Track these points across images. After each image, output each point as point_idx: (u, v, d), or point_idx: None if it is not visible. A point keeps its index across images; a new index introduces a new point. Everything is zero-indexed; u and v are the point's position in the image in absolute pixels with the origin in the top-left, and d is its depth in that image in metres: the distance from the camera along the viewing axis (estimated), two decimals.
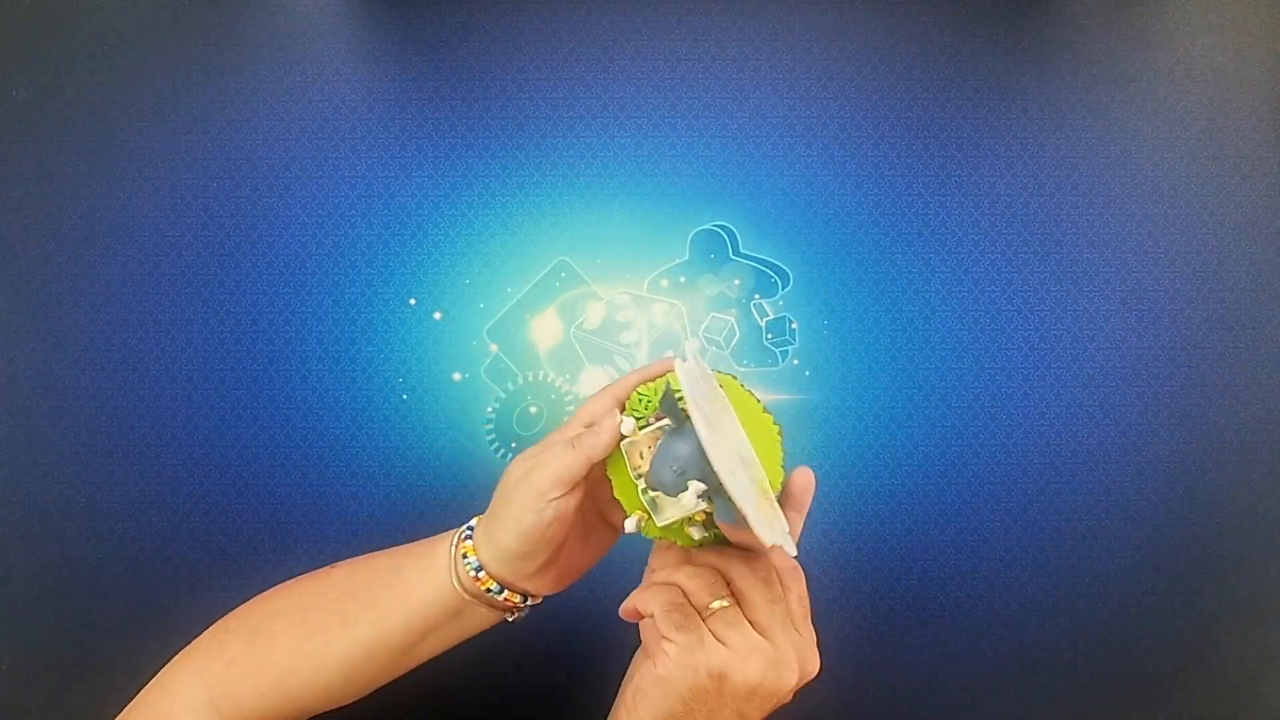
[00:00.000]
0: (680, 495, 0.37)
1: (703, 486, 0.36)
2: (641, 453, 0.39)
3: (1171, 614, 0.59)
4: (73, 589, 0.57)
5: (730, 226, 0.60)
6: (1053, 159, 0.60)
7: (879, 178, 0.60)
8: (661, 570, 0.39)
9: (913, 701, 0.58)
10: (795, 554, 0.36)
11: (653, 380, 0.41)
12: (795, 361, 0.59)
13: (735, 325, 0.59)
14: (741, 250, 0.60)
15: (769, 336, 0.59)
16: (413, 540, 0.43)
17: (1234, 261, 0.60)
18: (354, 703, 0.43)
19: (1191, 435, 0.59)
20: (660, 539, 0.40)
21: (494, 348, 0.59)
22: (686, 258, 0.60)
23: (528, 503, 0.38)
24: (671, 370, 0.39)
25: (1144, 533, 0.59)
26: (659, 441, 0.38)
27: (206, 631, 0.43)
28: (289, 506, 0.58)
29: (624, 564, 0.46)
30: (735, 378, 0.42)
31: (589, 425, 0.40)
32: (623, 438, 0.39)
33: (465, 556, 0.40)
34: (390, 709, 0.44)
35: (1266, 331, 0.59)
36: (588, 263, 0.59)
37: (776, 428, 0.40)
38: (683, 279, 0.59)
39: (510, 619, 0.42)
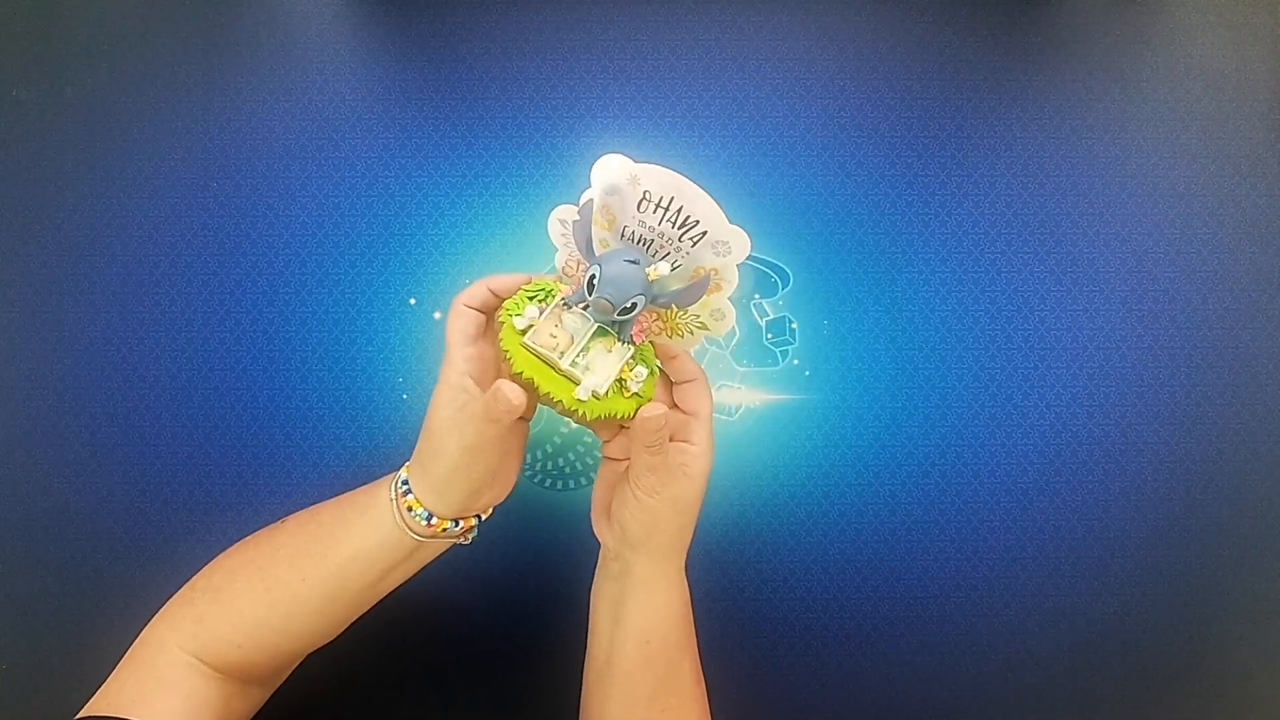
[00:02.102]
0: (635, 299, 0.37)
1: (666, 266, 0.37)
2: (551, 332, 0.39)
3: (1171, 614, 0.59)
4: (73, 589, 0.57)
5: None
6: (1053, 159, 0.60)
7: (879, 178, 0.60)
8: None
9: (913, 702, 0.58)
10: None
11: (509, 289, 0.42)
12: (795, 361, 0.59)
13: (735, 325, 0.59)
14: None
15: (769, 336, 0.59)
16: None
17: (1234, 261, 0.60)
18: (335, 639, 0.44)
19: (1191, 435, 0.59)
20: (602, 417, 0.39)
21: None
22: None
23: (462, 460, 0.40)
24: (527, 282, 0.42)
25: (1144, 533, 0.59)
26: (590, 279, 0.37)
27: (176, 594, 0.44)
28: (289, 506, 0.58)
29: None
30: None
31: (464, 344, 0.41)
32: (521, 338, 0.39)
33: (411, 510, 0.41)
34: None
35: (1266, 331, 0.59)
36: None
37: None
38: None
39: (465, 541, 0.44)
